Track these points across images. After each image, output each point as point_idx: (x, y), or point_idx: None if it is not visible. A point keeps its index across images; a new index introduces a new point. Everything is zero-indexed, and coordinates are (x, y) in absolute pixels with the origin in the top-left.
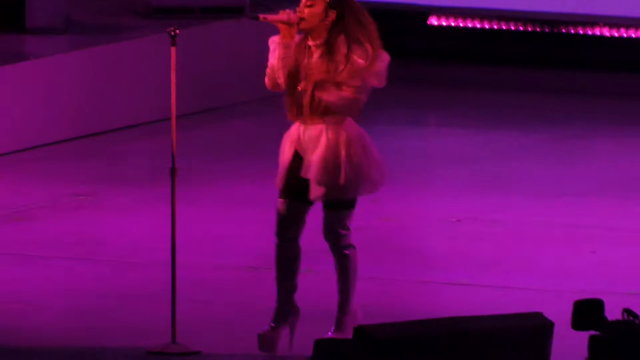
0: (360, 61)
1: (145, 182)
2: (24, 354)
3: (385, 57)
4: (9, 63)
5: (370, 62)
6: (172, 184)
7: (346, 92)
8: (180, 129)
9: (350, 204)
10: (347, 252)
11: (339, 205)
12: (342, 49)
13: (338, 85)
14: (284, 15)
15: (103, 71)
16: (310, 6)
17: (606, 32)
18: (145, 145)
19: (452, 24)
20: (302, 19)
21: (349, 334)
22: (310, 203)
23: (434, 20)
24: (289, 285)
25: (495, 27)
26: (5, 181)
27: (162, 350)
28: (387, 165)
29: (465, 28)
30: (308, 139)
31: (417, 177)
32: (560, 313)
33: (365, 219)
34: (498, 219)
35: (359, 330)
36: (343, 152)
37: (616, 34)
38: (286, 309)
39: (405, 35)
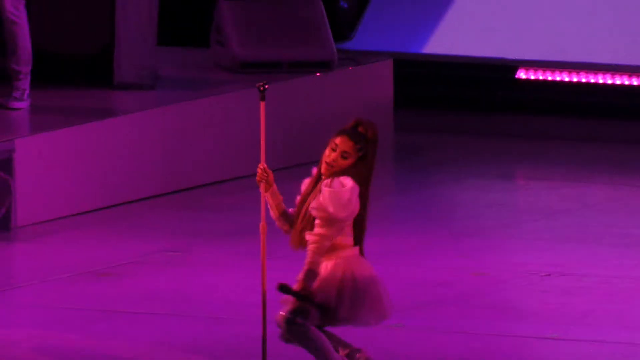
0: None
1: (235, 237)
2: None
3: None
4: (98, 119)
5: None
6: (262, 239)
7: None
8: None
9: None
10: None
11: None
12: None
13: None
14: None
15: (191, 126)
16: (345, 158)
17: None
18: (235, 201)
19: (540, 77)
20: (330, 165)
21: None
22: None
23: (522, 74)
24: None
25: (584, 79)
26: (96, 237)
27: None
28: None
29: (554, 81)
30: None
31: (506, 231)
32: None
33: (456, 274)
34: (587, 273)
35: None
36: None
37: None
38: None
39: (494, 89)
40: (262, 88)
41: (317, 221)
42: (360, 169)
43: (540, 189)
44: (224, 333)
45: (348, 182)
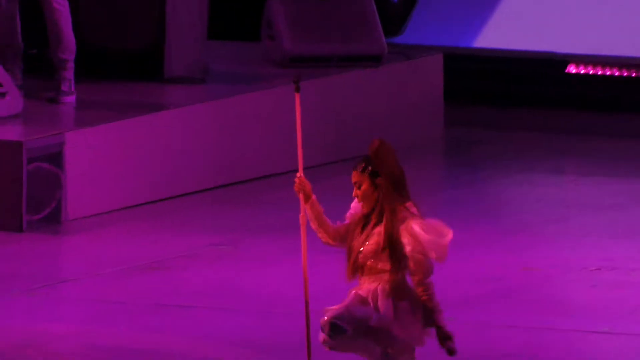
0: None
1: (285, 231)
2: None
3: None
4: (148, 112)
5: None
6: (302, 231)
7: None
8: (316, 178)
9: None
10: None
11: None
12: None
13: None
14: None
15: (240, 121)
16: (359, 187)
17: None
18: (284, 195)
19: (591, 72)
20: (361, 199)
21: None
22: None
23: (572, 69)
24: None
25: (634, 74)
26: (144, 231)
27: None
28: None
29: (604, 76)
30: None
31: (556, 225)
32: None
33: (505, 269)
34: (637, 267)
35: None
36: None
37: None
38: None
39: (544, 83)
40: (296, 79)
41: (415, 267)
42: (388, 192)
43: (590, 184)
44: (273, 327)
45: (447, 232)
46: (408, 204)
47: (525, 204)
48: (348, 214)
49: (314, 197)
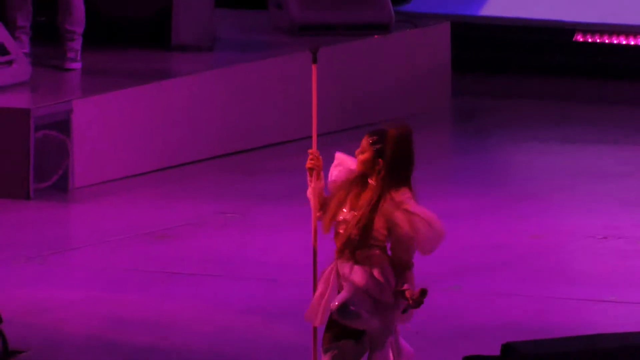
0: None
1: (292, 199)
2: None
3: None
4: (155, 80)
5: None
6: (313, 202)
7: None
8: (323, 146)
9: None
10: None
11: None
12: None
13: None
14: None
15: (248, 88)
16: (361, 153)
17: None
18: (291, 163)
19: (598, 40)
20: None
21: None
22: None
23: (579, 37)
24: None
25: None
26: (152, 199)
27: None
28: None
29: (611, 44)
30: None
31: (563, 193)
32: None
33: (512, 236)
34: None
35: (507, 347)
36: None
37: None
38: None
39: (551, 52)
40: (314, 50)
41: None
42: (387, 177)
43: (597, 151)
44: (280, 295)
45: (442, 231)
46: (403, 189)
47: (532, 172)
48: (330, 184)
49: (322, 174)
